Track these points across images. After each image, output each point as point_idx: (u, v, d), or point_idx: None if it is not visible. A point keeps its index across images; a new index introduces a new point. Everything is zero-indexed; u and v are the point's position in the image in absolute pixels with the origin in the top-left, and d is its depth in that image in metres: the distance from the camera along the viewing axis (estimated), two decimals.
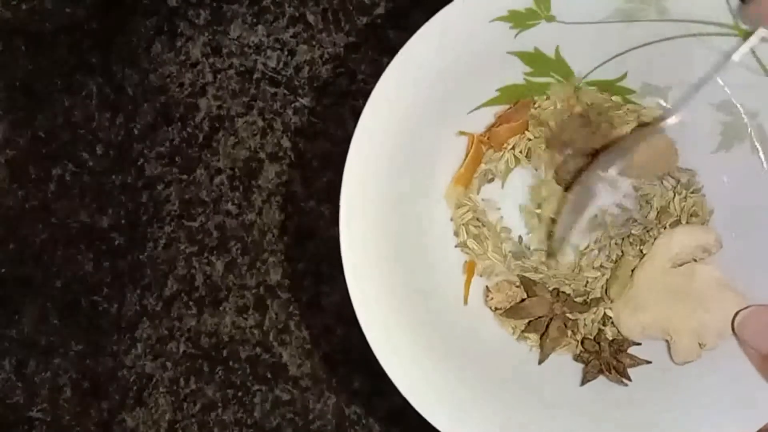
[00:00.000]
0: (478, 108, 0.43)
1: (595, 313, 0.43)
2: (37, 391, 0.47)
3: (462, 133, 0.43)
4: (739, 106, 0.40)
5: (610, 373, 0.42)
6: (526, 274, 0.43)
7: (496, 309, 0.43)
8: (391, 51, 0.47)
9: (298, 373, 0.46)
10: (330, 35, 0.47)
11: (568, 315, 0.42)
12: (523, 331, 0.43)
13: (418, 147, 0.41)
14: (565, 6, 0.39)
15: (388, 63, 0.47)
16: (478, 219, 0.43)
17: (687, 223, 0.43)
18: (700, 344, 0.41)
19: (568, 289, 0.43)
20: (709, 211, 0.43)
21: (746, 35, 0.39)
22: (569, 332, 0.42)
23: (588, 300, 0.43)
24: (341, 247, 0.38)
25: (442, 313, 0.42)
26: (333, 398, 0.46)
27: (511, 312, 0.42)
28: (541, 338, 0.42)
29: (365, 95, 0.47)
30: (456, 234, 0.43)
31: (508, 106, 0.43)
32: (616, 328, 0.43)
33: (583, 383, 0.42)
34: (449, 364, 0.40)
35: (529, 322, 0.42)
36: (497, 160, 0.43)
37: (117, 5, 0.48)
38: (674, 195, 0.43)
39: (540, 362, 0.42)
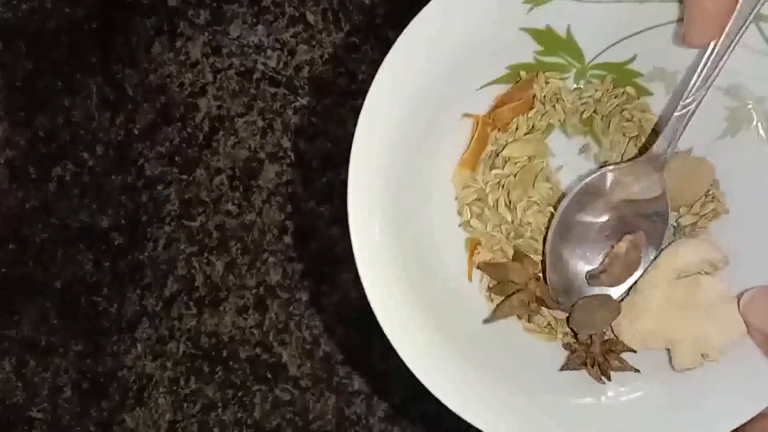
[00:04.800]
0: (487, 85, 0.42)
1: None
2: (37, 391, 0.47)
3: (467, 115, 0.42)
4: (747, 90, 0.40)
5: (593, 367, 0.41)
6: (523, 249, 0.43)
7: (479, 264, 0.43)
8: None
9: (298, 373, 0.46)
10: (330, 35, 0.47)
11: (537, 295, 0.42)
12: (490, 289, 0.43)
13: (425, 127, 0.40)
14: None
15: None
16: (479, 200, 0.43)
17: (695, 232, 0.42)
18: (702, 354, 0.41)
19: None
20: (725, 210, 0.42)
21: (759, 19, 0.38)
22: (530, 312, 0.42)
23: (560, 301, 0.43)
24: (351, 231, 0.38)
25: (449, 290, 0.42)
26: (333, 398, 0.46)
27: (490, 268, 0.42)
28: (501, 301, 0.42)
29: (365, 95, 0.47)
30: (459, 213, 0.43)
31: (509, 86, 0.43)
32: (615, 336, 0.42)
33: (561, 369, 0.42)
34: (455, 338, 0.40)
35: (500, 282, 0.42)
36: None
37: (117, 5, 0.48)
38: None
39: (486, 321, 0.42)
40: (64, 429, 0.47)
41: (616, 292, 0.42)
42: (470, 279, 0.43)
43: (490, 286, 0.43)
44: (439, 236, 0.42)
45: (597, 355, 0.42)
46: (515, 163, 0.43)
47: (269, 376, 0.46)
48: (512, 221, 0.43)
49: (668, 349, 0.42)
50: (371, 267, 0.39)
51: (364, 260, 0.39)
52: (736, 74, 0.40)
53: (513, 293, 0.42)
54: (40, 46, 0.48)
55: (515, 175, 0.42)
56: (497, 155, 0.43)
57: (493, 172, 0.43)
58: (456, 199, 0.43)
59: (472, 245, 0.43)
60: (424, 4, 0.47)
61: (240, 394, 0.46)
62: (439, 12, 0.39)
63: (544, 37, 0.41)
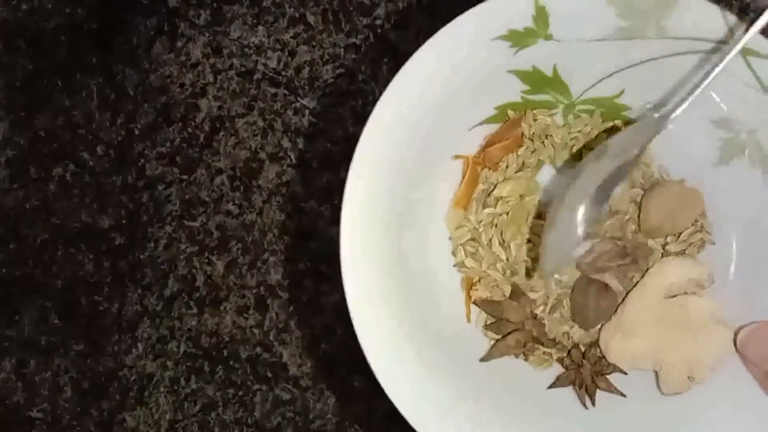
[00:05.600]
0: (475, 126, 0.43)
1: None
2: (37, 391, 0.47)
3: (457, 156, 0.43)
4: (737, 122, 0.40)
5: (580, 389, 0.42)
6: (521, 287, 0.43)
7: (476, 300, 0.43)
8: (391, 51, 0.47)
9: (298, 373, 0.46)
10: (330, 36, 0.47)
11: (534, 335, 0.42)
12: (486, 327, 0.43)
13: (417, 170, 0.41)
14: (563, 25, 0.39)
15: (387, 64, 0.47)
16: (474, 239, 0.43)
17: (682, 252, 0.43)
18: (689, 377, 0.41)
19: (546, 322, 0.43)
20: (712, 241, 0.43)
21: (745, 53, 0.39)
22: (525, 350, 0.42)
23: (557, 340, 0.43)
24: (343, 275, 0.39)
25: (444, 331, 0.42)
26: (333, 398, 0.46)
27: (487, 304, 0.42)
28: (497, 340, 0.43)
29: (365, 95, 0.47)
30: (454, 254, 0.43)
31: (498, 125, 0.43)
32: (604, 356, 0.42)
33: (550, 387, 0.42)
34: (450, 380, 0.40)
35: (496, 321, 0.43)
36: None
37: (117, 5, 0.48)
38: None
39: (483, 360, 0.42)
40: (64, 429, 0.47)
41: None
42: (468, 320, 0.43)
43: (487, 323, 0.43)
44: (434, 275, 0.43)
45: (586, 377, 0.42)
46: (507, 202, 0.43)
47: (269, 375, 0.46)
48: (507, 259, 0.43)
49: (656, 372, 0.42)
50: (363, 303, 0.39)
51: (357, 301, 0.39)
52: (727, 107, 0.40)
53: (509, 333, 0.42)
54: (40, 46, 0.48)
55: (507, 214, 0.43)
56: (489, 194, 0.43)
57: (486, 210, 0.43)
58: (450, 239, 0.43)
59: (468, 284, 0.43)
60: (423, 7, 0.47)
61: (240, 393, 0.46)
62: (429, 57, 0.39)
63: (531, 77, 0.41)
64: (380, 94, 0.46)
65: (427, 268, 0.43)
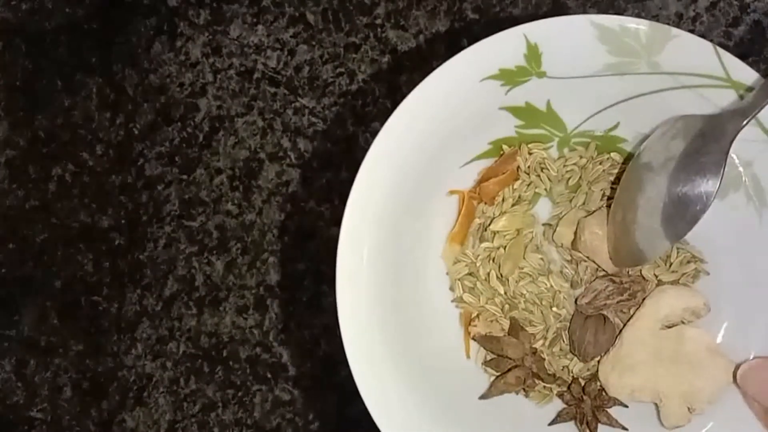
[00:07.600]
0: (470, 162, 0.43)
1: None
2: (37, 391, 0.47)
3: (452, 191, 0.43)
4: (733, 155, 0.40)
5: (581, 424, 0.41)
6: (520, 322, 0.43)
7: (474, 336, 0.43)
8: (391, 51, 0.47)
9: (298, 373, 0.46)
10: (330, 35, 0.47)
11: (533, 371, 0.42)
12: (485, 363, 0.43)
13: (413, 206, 0.41)
14: (555, 62, 0.39)
15: (388, 63, 0.47)
16: (471, 274, 0.43)
17: (677, 282, 0.42)
18: (689, 408, 0.41)
19: (546, 356, 0.43)
20: (706, 272, 0.42)
21: (738, 87, 0.39)
22: (525, 387, 0.42)
23: (557, 375, 0.43)
24: (338, 310, 0.39)
25: (443, 368, 0.42)
26: (333, 398, 0.46)
27: (486, 340, 0.42)
28: (497, 377, 0.42)
29: (365, 95, 0.47)
30: (452, 289, 0.43)
31: (493, 160, 0.43)
32: (604, 390, 0.42)
33: (551, 423, 0.42)
34: (450, 420, 0.41)
35: (496, 357, 0.42)
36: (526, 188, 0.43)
37: (117, 5, 0.48)
38: (677, 252, 0.42)
39: (482, 397, 0.42)
40: (64, 429, 0.47)
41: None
42: (468, 356, 0.43)
43: (487, 359, 0.43)
44: (432, 312, 0.43)
45: (587, 411, 0.41)
46: (504, 236, 0.43)
47: (269, 376, 0.46)
48: (505, 293, 0.42)
49: (656, 404, 0.42)
50: (359, 347, 0.39)
51: (353, 345, 0.39)
52: None
53: (509, 370, 0.42)
54: (40, 46, 0.48)
55: (505, 248, 0.43)
56: (485, 228, 0.43)
57: (483, 245, 0.43)
58: (447, 274, 0.43)
59: (467, 319, 0.43)
60: (423, 7, 0.47)
61: (240, 394, 0.46)
62: (423, 98, 0.39)
63: (525, 113, 0.41)
64: (380, 93, 0.47)
65: (425, 305, 0.43)
